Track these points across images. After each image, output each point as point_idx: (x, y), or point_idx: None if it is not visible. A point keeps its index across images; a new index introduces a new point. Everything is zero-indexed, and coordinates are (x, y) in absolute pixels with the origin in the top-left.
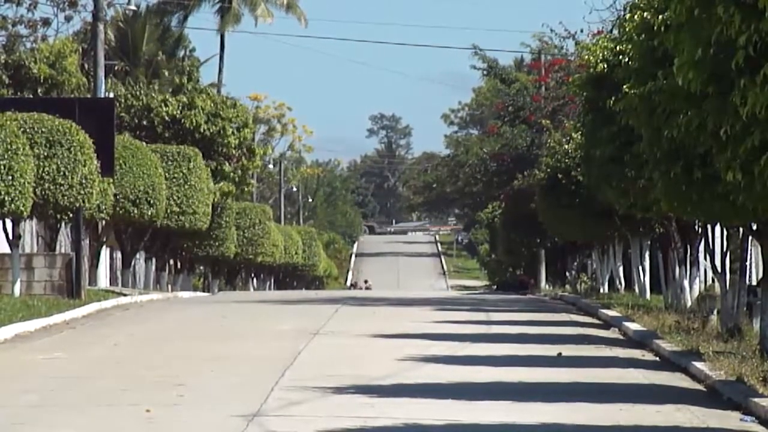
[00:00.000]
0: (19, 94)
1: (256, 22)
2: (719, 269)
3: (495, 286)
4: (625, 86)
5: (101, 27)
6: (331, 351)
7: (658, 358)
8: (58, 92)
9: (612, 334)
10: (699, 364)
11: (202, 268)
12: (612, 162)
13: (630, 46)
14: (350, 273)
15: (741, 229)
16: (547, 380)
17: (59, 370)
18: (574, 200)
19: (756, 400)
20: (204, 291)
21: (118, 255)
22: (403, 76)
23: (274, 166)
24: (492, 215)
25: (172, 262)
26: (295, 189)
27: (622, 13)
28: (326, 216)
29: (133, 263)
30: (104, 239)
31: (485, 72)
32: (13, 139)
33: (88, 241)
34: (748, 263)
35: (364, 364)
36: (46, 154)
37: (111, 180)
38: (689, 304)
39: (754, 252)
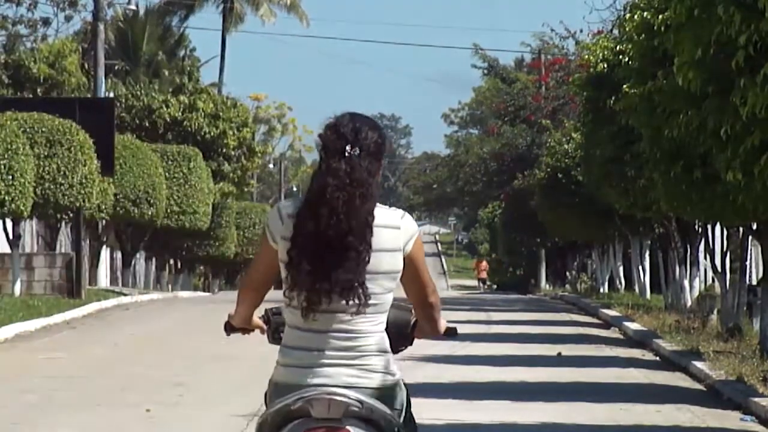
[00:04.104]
0: (19, 93)
1: (264, 23)
2: (719, 269)
3: (495, 286)
4: (625, 86)
5: (101, 27)
6: None
7: (658, 358)
8: (58, 92)
9: (612, 333)
10: (699, 364)
11: (202, 267)
12: (612, 162)
13: (630, 46)
14: None
15: (741, 229)
16: (548, 380)
17: (59, 370)
18: (574, 200)
19: (756, 399)
20: (204, 291)
21: (119, 255)
22: (403, 76)
23: (274, 165)
24: (492, 215)
25: (172, 261)
26: (295, 189)
27: (622, 13)
28: None
29: (133, 263)
30: (104, 239)
31: (486, 71)
32: (13, 138)
33: (88, 241)
34: (748, 263)
35: None
36: (46, 153)
37: (111, 180)
38: (689, 303)
39: (754, 252)
